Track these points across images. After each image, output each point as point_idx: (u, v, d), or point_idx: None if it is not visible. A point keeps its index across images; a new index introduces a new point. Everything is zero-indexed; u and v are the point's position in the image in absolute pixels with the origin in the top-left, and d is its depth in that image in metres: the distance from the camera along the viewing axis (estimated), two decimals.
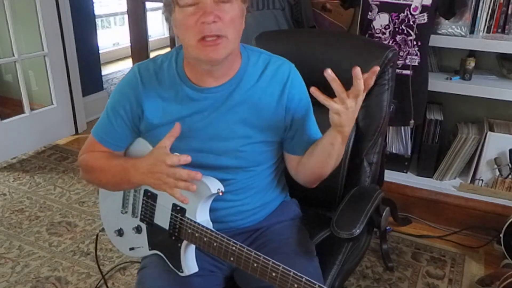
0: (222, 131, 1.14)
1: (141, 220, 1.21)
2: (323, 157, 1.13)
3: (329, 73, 0.96)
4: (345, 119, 1.01)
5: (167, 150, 1.05)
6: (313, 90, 0.99)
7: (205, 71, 1.12)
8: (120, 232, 1.28)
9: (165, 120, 1.15)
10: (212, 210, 1.14)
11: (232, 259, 1.05)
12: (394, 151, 2.44)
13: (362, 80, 0.95)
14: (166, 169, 1.02)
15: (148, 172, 1.06)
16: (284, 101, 1.16)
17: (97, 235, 1.57)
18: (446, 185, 2.38)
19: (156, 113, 1.15)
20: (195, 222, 1.10)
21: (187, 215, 1.11)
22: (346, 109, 0.99)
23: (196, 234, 1.10)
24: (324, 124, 1.22)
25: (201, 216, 1.11)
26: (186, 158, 1.02)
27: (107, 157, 1.19)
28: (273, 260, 1.00)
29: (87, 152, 1.23)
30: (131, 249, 1.26)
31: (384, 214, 1.41)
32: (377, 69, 0.98)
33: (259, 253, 1.02)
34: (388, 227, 2.29)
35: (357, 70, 0.94)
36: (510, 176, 2.26)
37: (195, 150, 1.14)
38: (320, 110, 1.21)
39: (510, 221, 2.01)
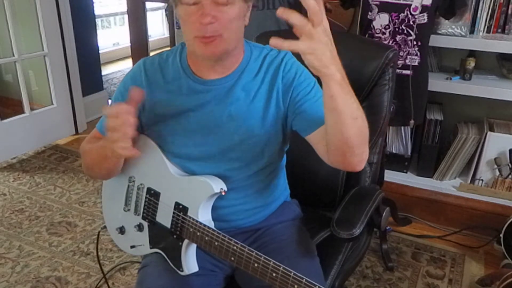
0: (224, 125, 1.14)
1: (143, 218, 1.22)
2: (335, 119, 0.95)
3: None
4: (323, 56, 0.85)
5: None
6: (273, 40, 0.85)
7: (207, 65, 1.13)
8: (121, 230, 1.28)
9: (170, 111, 1.15)
10: (213, 209, 1.15)
11: (233, 258, 1.06)
12: (394, 151, 2.44)
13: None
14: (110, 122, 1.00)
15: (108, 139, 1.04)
16: (279, 84, 1.14)
17: (98, 233, 1.57)
18: (446, 185, 2.38)
19: (160, 104, 1.16)
20: (197, 221, 1.10)
21: (189, 214, 1.12)
22: (318, 43, 0.84)
23: (198, 233, 1.10)
24: None
25: (203, 215, 1.12)
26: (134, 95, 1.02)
27: (98, 141, 1.20)
28: (273, 261, 1.00)
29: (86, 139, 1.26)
30: (132, 247, 1.26)
31: (384, 214, 1.41)
32: None
33: (259, 254, 1.02)
34: (388, 227, 2.29)
35: None
36: (510, 176, 2.26)
37: (200, 144, 1.15)
38: None
39: (510, 221, 2.01)
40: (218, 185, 1.11)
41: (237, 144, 1.15)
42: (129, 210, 1.25)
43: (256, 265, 1.02)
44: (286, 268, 0.99)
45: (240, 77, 1.15)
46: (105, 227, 1.36)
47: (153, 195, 1.19)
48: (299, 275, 0.97)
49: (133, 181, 1.23)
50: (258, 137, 1.15)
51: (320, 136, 1.06)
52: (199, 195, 1.11)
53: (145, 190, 1.21)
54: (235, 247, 1.05)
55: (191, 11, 1.02)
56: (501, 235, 2.02)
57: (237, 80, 1.15)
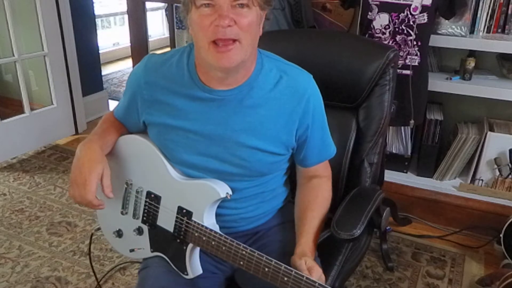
0: (228, 137, 1.10)
1: (143, 222, 1.20)
2: None
3: None
4: None
5: (94, 190, 1.09)
6: None
7: (217, 78, 1.07)
8: (119, 233, 1.26)
9: (171, 113, 1.12)
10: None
11: (241, 263, 1.05)
12: (394, 151, 2.44)
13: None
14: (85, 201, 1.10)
15: (73, 182, 1.11)
16: (298, 115, 1.12)
17: (91, 236, 1.58)
18: (446, 185, 2.38)
19: (160, 105, 1.13)
20: (202, 225, 1.09)
21: (193, 218, 1.10)
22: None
23: (204, 238, 1.09)
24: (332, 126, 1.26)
25: (208, 219, 1.11)
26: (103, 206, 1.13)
27: (107, 128, 1.22)
28: (285, 265, 1.00)
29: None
30: (131, 250, 1.25)
31: (384, 214, 1.41)
32: None
33: (270, 258, 1.01)
34: (388, 227, 2.29)
35: None
36: (510, 176, 2.26)
37: (202, 154, 1.12)
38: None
39: (510, 221, 2.01)
40: (223, 190, 1.09)
41: (241, 159, 1.12)
42: (127, 213, 1.23)
43: (266, 269, 1.01)
44: (298, 272, 0.98)
45: (251, 91, 1.10)
46: (99, 228, 1.34)
47: (154, 199, 1.17)
48: (311, 279, 0.97)
49: (131, 184, 1.21)
50: (263, 154, 1.13)
51: (303, 173, 1.27)
52: (204, 200, 1.10)
53: (144, 193, 1.19)
54: (244, 252, 1.03)
55: (206, 13, 0.98)
56: (501, 235, 2.02)
57: (247, 94, 1.10)
